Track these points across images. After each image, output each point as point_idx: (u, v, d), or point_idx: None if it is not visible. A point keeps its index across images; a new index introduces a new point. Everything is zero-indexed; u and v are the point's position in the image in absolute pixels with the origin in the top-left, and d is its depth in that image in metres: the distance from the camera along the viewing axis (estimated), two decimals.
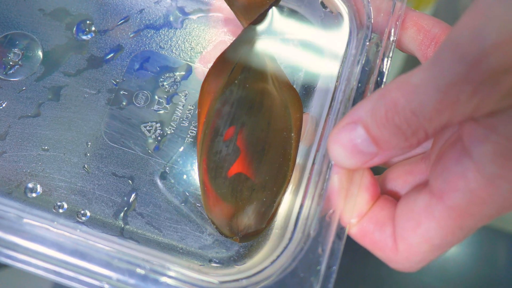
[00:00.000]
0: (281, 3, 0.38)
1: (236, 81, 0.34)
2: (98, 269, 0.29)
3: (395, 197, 0.31)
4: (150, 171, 0.36)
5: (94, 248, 0.30)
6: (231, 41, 0.38)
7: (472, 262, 0.76)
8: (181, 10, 0.40)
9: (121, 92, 0.38)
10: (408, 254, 0.28)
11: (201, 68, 0.37)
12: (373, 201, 0.30)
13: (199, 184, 0.34)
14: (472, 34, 0.23)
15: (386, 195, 0.31)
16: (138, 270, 0.29)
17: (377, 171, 0.32)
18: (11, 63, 0.38)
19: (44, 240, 0.29)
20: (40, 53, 0.38)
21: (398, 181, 0.32)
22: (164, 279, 0.29)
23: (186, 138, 0.37)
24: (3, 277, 0.70)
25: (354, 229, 0.30)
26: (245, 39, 0.36)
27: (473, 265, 0.76)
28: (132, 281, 0.29)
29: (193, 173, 0.36)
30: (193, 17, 0.40)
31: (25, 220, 0.31)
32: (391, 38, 0.34)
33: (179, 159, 0.36)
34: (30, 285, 0.72)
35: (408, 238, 0.28)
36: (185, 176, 0.36)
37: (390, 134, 0.26)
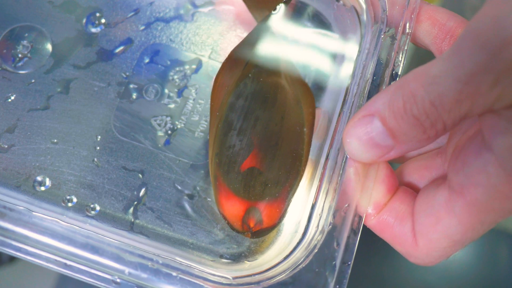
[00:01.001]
0: None
1: (250, 75, 0.34)
2: (110, 262, 0.28)
3: (412, 189, 0.31)
4: (161, 165, 0.36)
5: (105, 241, 0.30)
6: (243, 36, 0.37)
7: (475, 262, 0.76)
8: (192, 2, 0.39)
9: (131, 86, 0.37)
10: (428, 250, 0.28)
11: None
12: (390, 193, 0.30)
13: (210, 178, 0.34)
14: (493, 23, 0.23)
15: (405, 187, 0.31)
16: (151, 264, 0.29)
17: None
18: (20, 55, 0.37)
19: (55, 233, 0.29)
20: (49, 46, 0.38)
21: (414, 176, 0.31)
22: (177, 273, 0.29)
23: (196, 132, 0.36)
24: (5, 274, 0.70)
25: (374, 221, 0.29)
26: (259, 33, 0.35)
27: (476, 265, 0.76)
28: (144, 275, 0.28)
29: (204, 167, 0.35)
30: (204, 10, 0.39)
31: (34, 213, 0.31)
32: (406, 31, 0.33)
33: (189, 153, 0.36)
34: (33, 282, 0.72)
35: (428, 234, 0.27)
36: (196, 170, 0.35)
37: (408, 126, 0.25)
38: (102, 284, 0.28)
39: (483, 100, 0.23)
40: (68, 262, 0.28)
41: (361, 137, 0.27)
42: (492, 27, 0.23)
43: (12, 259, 0.69)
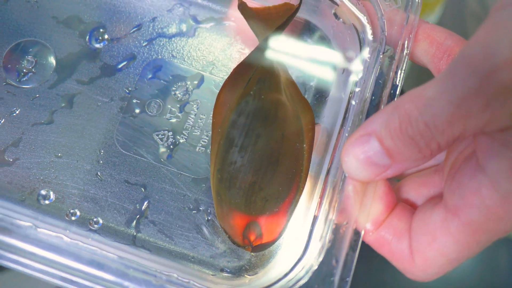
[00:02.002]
0: None
1: (251, 92, 0.35)
2: (115, 278, 0.29)
3: (409, 206, 0.31)
4: (163, 179, 0.36)
5: (110, 258, 0.30)
6: (244, 51, 0.38)
7: (475, 266, 0.77)
8: (194, 18, 0.40)
9: (134, 101, 0.38)
10: (424, 267, 0.28)
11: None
12: (388, 209, 0.31)
13: (212, 193, 0.35)
14: (484, 49, 0.24)
15: (403, 204, 0.31)
16: (154, 281, 0.29)
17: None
18: (24, 70, 0.38)
19: (60, 250, 0.30)
20: (53, 61, 0.38)
21: (412, 193, 0.32)
22: None
23: (198, 147, 0.37)
24: (6, 279, 0.70)
25: (372, 237, 0.30)
26: (261, 51, 0.36)
27: (476, 269, 0.77)
28: None
29: (205, 181, 0.36)
30: (206, 26, 0.40)
31: (40, 230, 0.31)
32: (405, 52, 0.34)
33: (191, 168, 0.37)
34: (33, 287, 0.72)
35: (424, 252, 0.28)
36: (197, 184, 0.36)
37: (404, 146, 0.26)
38: None
39: (474, 122, 0.24)
40: (74, 278, 0.29)
41: (359, 156, 0.28)
42: (482, 54, 0.24)
43: None
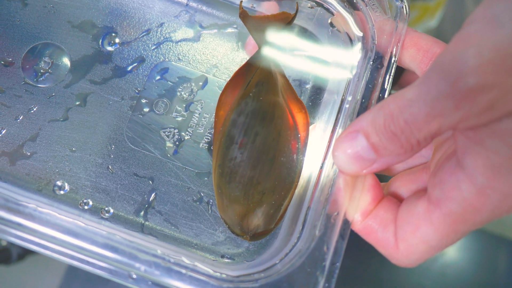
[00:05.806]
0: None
1: (251, 94, 0.37)
2: (127, 260, 0.32)
3: (398, 200, 0.34)
4: (169, 173, 0.39)
5: (123, 242, 0.33)
6: (245, 56, 0.41)
7: (471, 267, 0.79)
8: (199, 24, 0.43)
9: (143, 100, 0.41)
10: (407, 253, 0.31)
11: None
12: (376, 201, 0.33)
13: (213, 186, 0.38)
14: (454, 58, 0.27)
15: (390, 197, 0.34)
16: (163, 263, 0.32)
17: (382, 179, 0.35)
18: (41, 71, 0.41)
19: (78, 234, 0.33)
20: (68, 62, 0.41)
21: (401, 187, 0.35)
22: (186, 271, 0.32)
23: (201, 143, 0.40)
24: (14, 271, 0.73)
25: (360, 226, 0.33)
26: (260, 56, 0.39)
27: (472, 270, 0.78)
28: (157, 272, 0.32)
29: (208, 175, 0.39)
30: (210, 31, 0.43)
31: (59, 216, 0.34)
32: (393, 58, 0.37)
33: (195, 163, 0.39)
34: (40, 280, 0.74)
35: (408, 239, 0.31)
36: (200, 178, 0.39)
37: (387, 141, 0.29)
38: (120, 279, 0.32)
39: (448, 121, 0.27)
40: (90, 260, 0.32)
41: (347, 151, 0.31)
42: (453, 62, 0.27)
43: (20, 257, 0.72)
